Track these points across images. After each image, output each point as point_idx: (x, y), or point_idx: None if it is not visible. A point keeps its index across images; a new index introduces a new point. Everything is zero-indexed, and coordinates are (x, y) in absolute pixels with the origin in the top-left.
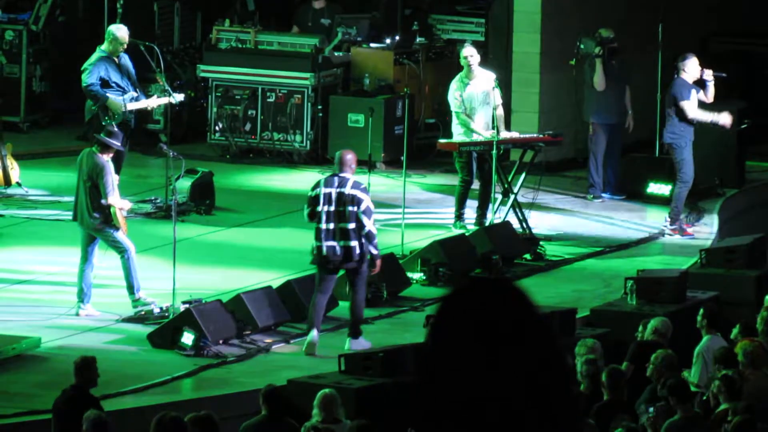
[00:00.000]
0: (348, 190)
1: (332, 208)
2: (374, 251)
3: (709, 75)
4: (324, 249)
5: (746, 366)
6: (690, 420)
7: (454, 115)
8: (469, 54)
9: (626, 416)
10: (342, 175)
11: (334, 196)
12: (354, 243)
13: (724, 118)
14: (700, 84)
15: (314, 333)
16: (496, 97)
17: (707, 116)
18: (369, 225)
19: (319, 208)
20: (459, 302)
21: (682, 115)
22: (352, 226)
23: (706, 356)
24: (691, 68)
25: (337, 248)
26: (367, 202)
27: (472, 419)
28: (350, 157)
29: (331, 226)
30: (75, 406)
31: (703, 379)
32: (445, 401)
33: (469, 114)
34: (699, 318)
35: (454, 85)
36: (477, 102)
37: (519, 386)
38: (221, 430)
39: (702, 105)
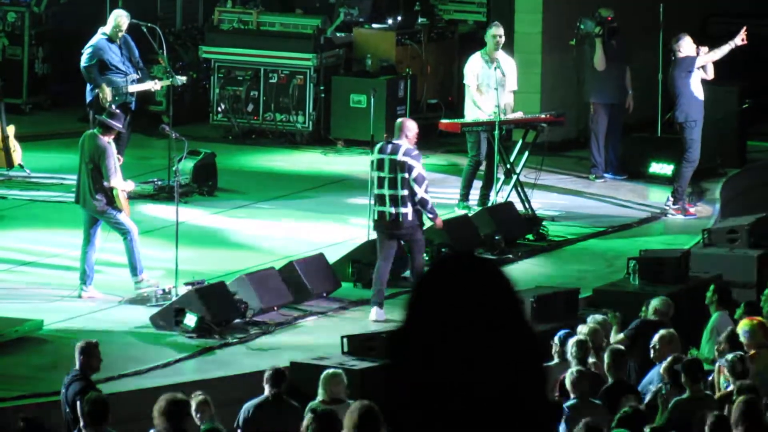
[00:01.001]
0: (399, 157)
1: (385, 174)
2: (430, 215)
3: (703, 57)
4: (377, 214)
5: (750, 346)
6: (698, 400)
7: (466, 89)
8: (499, 34)
9: (632, 396)
10: (396, 142)
11: (386, 162)
12: (405, 210)
13: (737, 39)
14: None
15: (374, 310)
16: (513, 83)
17: (725, 49)
18: (420, 192)
19: (374, 174)
20: (434, 282)
21: (690, 92)
22: (404, 193)
23: (720, 330)
24: (686, 48)
25: (390, 214)
26: (418, 170)
27: (437, 405)
28: (409, 125)
29: (385, 192)
30: (78, 392)
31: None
32: (411, 385)
33: (482, 91)
34: (709, 294)
35: (476, 60)
36: (493, 82)
37: (488, 374)
38: (220, 412)
39: (703, 81)
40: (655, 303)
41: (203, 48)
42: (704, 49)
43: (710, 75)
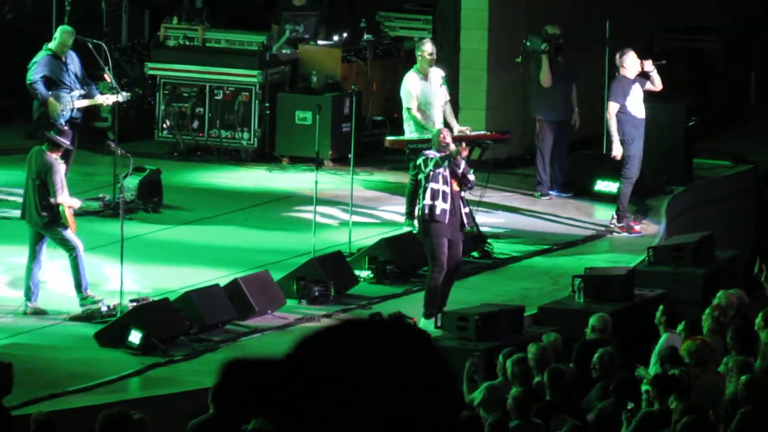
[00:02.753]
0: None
1: None
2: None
3: (649, 65)
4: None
5: (693, 366)
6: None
7: (405, 111)
8: (432, 51)
9: (567, 415)
10: None
11: None
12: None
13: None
14: (645, 76)
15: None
16: (445, 94)
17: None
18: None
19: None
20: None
21: (626, 109)
22: None
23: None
24: (630, 63)
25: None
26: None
27: None
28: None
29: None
30: None
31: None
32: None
33: (425, 110)
34: (658, 314)
35: (412, 80)
36: (433, 98)
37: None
38: (165, 429)
39: (651, 95)
40: (592, 321)
41: (149, 64)
42: (647, 62)
43: (658, 86)
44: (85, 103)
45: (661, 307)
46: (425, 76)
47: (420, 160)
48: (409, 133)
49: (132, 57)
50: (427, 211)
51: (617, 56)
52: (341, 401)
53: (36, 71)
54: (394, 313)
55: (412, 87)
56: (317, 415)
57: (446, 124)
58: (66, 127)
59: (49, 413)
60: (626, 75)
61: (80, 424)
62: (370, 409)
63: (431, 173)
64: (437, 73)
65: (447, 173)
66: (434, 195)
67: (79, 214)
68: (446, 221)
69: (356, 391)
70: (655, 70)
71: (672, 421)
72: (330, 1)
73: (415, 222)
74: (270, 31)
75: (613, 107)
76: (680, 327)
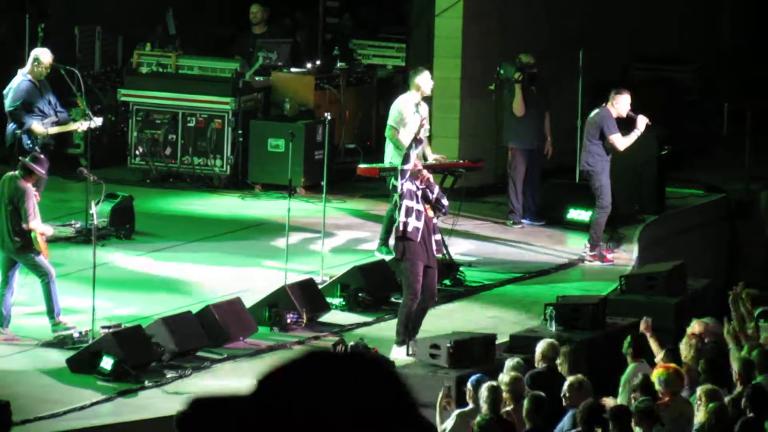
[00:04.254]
0: None
1: None
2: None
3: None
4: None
5: (664, 393)
6: None
7: (388, 129)
8: (430, 83)
9: None
10: None
11: None
12: None
13: (642, 123)
14: (625, 120)
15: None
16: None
17: (633, 137)
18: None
19: None
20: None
21: (604, 145)
22: None
23: (632, 382)
24: (621, 104)
25: None
26: None
27: None
28: None
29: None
30: None
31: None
32: None
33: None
34: (625, 345)
35: (409, 105)
36: (415, 126)
37: None
38: None
39: (624, 123)
40: (540, 348)
41: (122, 91)
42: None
43: (641, 127)
44: (58, 129)
45: (628, 338)
46: (417, 105)
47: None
48: (388, 153)
49: (105, 83)
50: (401, 228)
51: (612, 92)
52: None
53: (15, 97)
54: (356, 342)
55: (403, 108)
56: None
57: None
58: (42, 156)
59: None
60: (611, 111)
61: None
62: None
63: (405, 191)
64: (425, 106)
65: (419, 192)
66: (408, 212)
67: (51, 240)
68: (418, 239)
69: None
70: (642, 124)
71: None
72: (293, 29)
73: (391, 243)
74: (242, 59)
75: (616, 138)
76: (661, 356)
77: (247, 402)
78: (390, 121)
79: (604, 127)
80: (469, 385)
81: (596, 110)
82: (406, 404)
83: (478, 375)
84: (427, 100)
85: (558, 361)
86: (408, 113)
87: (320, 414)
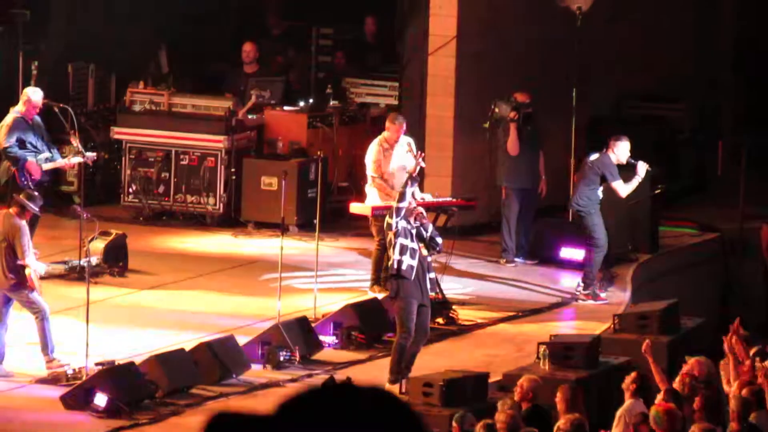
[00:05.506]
0: None
1: None
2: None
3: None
4: None
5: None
6: None
7: (369, 178)
8: (404, 124)
9: None
10: None
11: None
12: None
13: (642, 169)
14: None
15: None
16: (410, 162)
17: (634, 184)
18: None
19: None
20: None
21: (603, 190)
22: None
23: (627, 419)
24: (621, 151)
25: None
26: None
27: None
28: None
29: None
30: None
31: None
32: None
33: (387, 179)
34: (627, 381)
35: (376, 148)
36: (396, 166)
37: None
38: None
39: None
40: (524, 384)
41: (115, 129)
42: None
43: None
44: (51, 165)
45: (633, 374)
46: (388, 145)
47: (387, 219)
48: (372, 198)
49: (98, 121)
50: (395, 266)
51: (612, 138)
52: None
53: (9, 136)
54: (344, 380)
55: (374, 155)
56: None
57: None
58: (36, 193)
59: None
60: (611, 157)
61: None
62: None
63: (400, 229)
64: (404, 140)
65: (414, 230)
66: (402, 250)
67: (44, 277)
68: (412, 277)
69: None
70: (642, 170)
71: None
72: (285, 68)
73: (382, 287)
74: (235, 97)
75: (618, 185)
76: (660, 397)
77: (268, 423)
78: (368, 171)
79: (606, 174)
80: (454, 422)
81: (595, 155)
82: None
83: (461, 412)
84: (420, 138)
85: (556, 399)
86: (375, 162)
87: None
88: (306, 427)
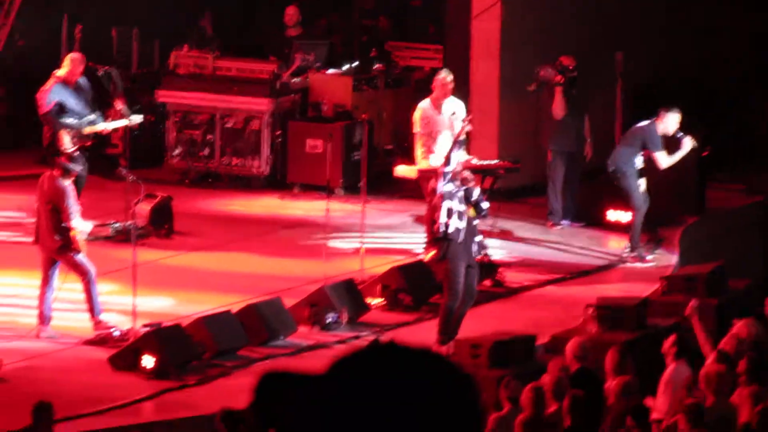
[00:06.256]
0: None
1: None
2: None
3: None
4: None
5: (709, 394)
6: None
7: (417, 137)
8: (449, 80)
9: None
10: None
11: None
12: None
13: (688, 145)
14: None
15: None
16: (458, 124)
17: (676, 158)
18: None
19: None
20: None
21: (643, 157)
22: None
23: (675, 382)
24: (670, 123)
25: None
26: None
27: None
28: None
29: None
30: None
31: (673, 406)
32: None
33: (434, 140)
34: (666, 345)
35: (426, 108)
36: (443, 128)
37: None
38: None
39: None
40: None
41: (159, 92)
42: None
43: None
44: (95, 129)
45: (672, 337)
46: (439, 105)
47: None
48: (419, 158)
49: (142, 84)
50: (442, 229)
51: (663, 109)
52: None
53: (48, 100)
54: (388, 340)
55: (420, 113)
56: None
57: None
58: (77, 154)
59: None
60: (659, 127)
61: None
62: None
63: (446, 192)
64: (451, 104)
65: (461, 193)
66: (449, 213)
67: (90, 239)
68: (460, 239)
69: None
70: (687, 145)
71: None
72: (328, 32)
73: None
74: (278, 60)
75: (660, 156)
76: (711, 357)
77: (319, 382)
78: (414, 129)
79: (649, 143)
80: (501, 387)
81: (644, 123)
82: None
83: (507, 376)
84: (465, 102)
85: (605, 362)
86: (422, 120)
87: (388, 405)
88: (357, 386)
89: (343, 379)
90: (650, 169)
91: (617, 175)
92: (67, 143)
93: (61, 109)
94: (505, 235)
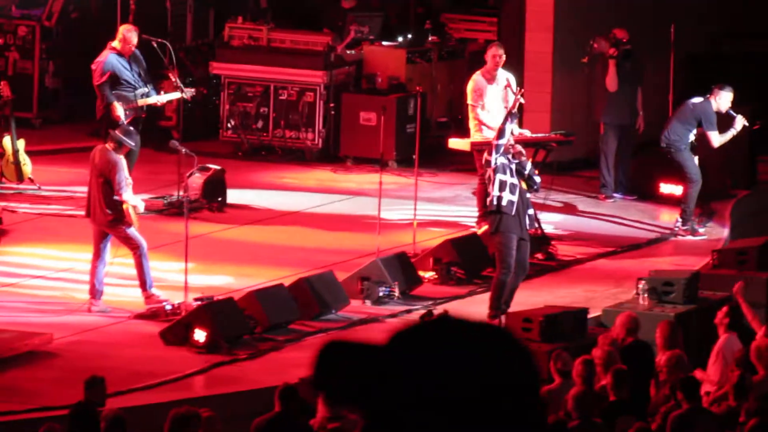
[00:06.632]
0: None
1: None
2: None
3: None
4: None
5: (759, 367)
6: (696, 411)
7: (470, 109)
8: (499, 54)
9: (632, 417)
10: None
11: None
12: None
13: (740, 123)
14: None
15: None
16: (510, 97)
17: (728, 136)
18: None
19: None
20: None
21: (682, 124)
22: None
23: (725, 354)
24: (723, 101)
25: None
26: None
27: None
28: None
29: None
30: (79, 425)
31: (724, 376)
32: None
33: (488, 110)
34: (720, 315)
35: (478, 80)
36: (497, 101)
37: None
38: (229, 428)
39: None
40: (620, 321)
41: (213, 64)
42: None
43: (738, 127)
44: (149, 101)
45: (725, 309)
46: (491, 77)
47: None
48: (473, 130)
49: (196, 56)
50: (495, 202)
51: (717, 86)
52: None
53: (102, 72)
54: (441, 313)
55: (473, 86)
56: (408, 407)
57: None
58: (132, 128)
59: (118, 410)
60: (712, 104)
61: (146, 420)
62: (465, 407)
63: (499, 165)
64: (504, 76)
65: (513, 166)
66: (502, 186)
67: (143, 213)
68: (512, 212)
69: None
70: (739, 124)
71: (738, 423)
72: (382, 3)
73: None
74: (333, 32)
75: (713, 135)
76: (763, 330)
77: (380, 352)
78: (468, 101)
79: (704, 121)
80: (553, 360)
81: (698, 99)
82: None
83: (556, 350)
84: (518, 74)
85: (655, 336)
86: (475, 92)
87: (447, 375)
88: (418, 357)
89: (403, 350)
90: (702, 144)
91: (671, 149)
92: (121, 114)
93: (115, 80)
94: (558, 208)
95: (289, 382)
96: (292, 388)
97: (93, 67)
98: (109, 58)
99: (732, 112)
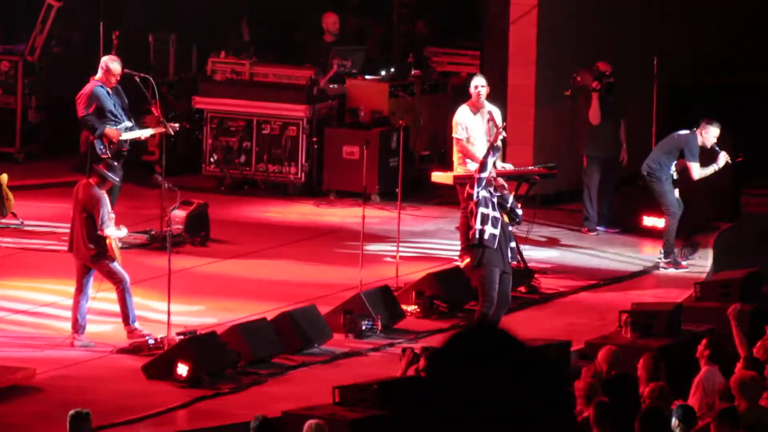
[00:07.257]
0: None
1: None
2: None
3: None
4: None
5: (740, 399)
6: None
7: (455, 142)
8: (481, 84)
9: None
10: None
11: None
12: None
13: (722, 160)
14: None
15: None
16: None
17: (709, 171)
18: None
19: None
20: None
21: (677, 165)
22: None
23: (705, 385)
24: (709, 135)
25: None
26: None
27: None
28: None
29: None
30: None
31: (702, 408)
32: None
33: (473, 144)
34: (700, 348)
35: (463, 112)
36: (482, 133)
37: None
38: None
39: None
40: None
41: (196, 98)
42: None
43: (720, 164)
44: (131, 135)
45: (705, 341)
46: (477, 110)
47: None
48: (456, 163)
49: (179, 91)
50: (477, 236)
51: (705, 121)
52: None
53: (86, 103)
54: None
55: (458, 118)
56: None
57: None
58: (115, 163)
59: None
60: (698, 138)
61: None
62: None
63: (481, 198)
64: (487, 109)
65: (495, 199)
66: (484, 219)
67: (126, 247)
68: (495, 246)
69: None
70: (721, 161)
71: None
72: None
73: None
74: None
75: (694, 166)
76: (741, 363)
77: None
78: (453, 134)
79: (686, 151)
80: None
81: (685, 131)
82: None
83: None
84: (502, 107)
85: (637, 368)
86: (460, 125)
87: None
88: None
89: (447, 358)
90: (684, 177)
91: (651, 179)
92: (118, 136)
93: (100, 112)
94: (541, 242)
95: (264, 415)
96: (267, 421)
97: (77, 99)
98: (95, 90)
99: (717, 147)
